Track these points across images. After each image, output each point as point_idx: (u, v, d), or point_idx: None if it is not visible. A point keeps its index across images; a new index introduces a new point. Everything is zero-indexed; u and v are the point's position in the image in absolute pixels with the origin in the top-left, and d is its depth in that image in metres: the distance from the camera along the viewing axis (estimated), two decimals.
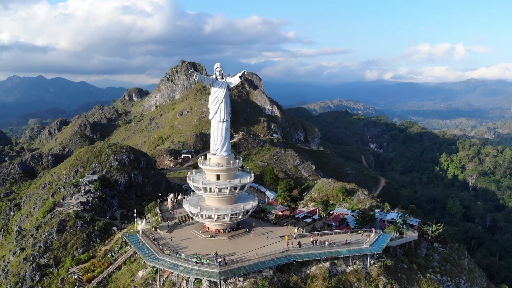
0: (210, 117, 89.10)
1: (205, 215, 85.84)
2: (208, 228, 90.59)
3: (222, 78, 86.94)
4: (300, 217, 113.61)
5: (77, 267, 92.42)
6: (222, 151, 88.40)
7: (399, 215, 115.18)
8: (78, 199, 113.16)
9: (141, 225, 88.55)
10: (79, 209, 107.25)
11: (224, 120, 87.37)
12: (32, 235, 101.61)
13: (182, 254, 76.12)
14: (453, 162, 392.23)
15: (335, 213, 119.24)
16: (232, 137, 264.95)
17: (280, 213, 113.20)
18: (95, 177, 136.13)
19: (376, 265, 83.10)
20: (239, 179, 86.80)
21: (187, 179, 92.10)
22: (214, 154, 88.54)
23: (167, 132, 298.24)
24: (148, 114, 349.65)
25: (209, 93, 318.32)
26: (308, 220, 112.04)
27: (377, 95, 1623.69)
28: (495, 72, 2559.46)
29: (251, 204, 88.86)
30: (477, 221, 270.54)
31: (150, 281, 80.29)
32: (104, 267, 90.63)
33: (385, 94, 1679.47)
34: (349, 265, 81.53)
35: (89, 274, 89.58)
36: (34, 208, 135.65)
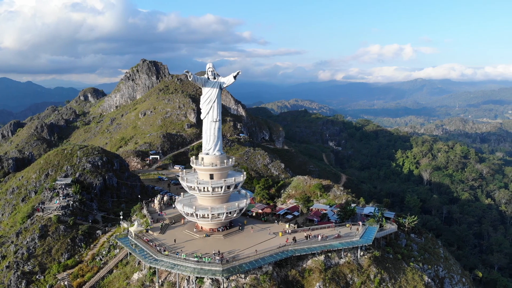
0: (202, 117, 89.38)
1: (200, 215, 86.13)
2: (201, 227, 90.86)
3: (214, 78, 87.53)
4: (281, 214, 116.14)
5: (64, 272, 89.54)
6: (215, 150, 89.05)
7: (376, 209, 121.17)
8: (57, 203, 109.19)
9: (133, 227, 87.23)
10: (60, 214, 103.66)
11: (217, 120, 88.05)
12: (12, 242, 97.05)
13: (183, 254, 76.15)
14: (408, 158, 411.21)
15: (314, 209, 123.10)
16: (199, 137, 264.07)
17: (260, 211, 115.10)
18: (68, 180, 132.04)
19: (366, 257, 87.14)
20: (233, 178, 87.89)
21: (180, 179, 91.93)
22: (207, 154, 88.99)
23: (130, 133, 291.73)
24: (108, 115, 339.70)
25: (172, 93, 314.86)
26: (289, 216, 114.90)
27: (330, 95, 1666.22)
28: (440, 72, 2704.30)
29: (244, 202, 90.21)
30: (433, 213, 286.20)
31: (147, 283, 79.54)
32: (94, 272, 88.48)
33: (338, 94, 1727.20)
34: (341, 258, 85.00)
35: (78, 279, 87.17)
36: (2, 214, 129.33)
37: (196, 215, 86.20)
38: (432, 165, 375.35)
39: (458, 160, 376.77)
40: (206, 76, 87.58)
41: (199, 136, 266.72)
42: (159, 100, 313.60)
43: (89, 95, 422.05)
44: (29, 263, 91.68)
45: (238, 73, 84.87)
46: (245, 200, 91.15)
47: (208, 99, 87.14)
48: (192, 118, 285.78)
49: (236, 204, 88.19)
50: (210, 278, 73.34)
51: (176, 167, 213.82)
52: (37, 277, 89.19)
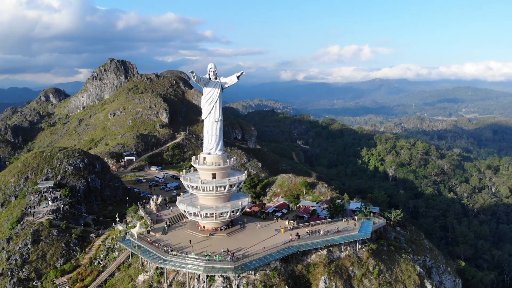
0: (203, 117, 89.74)
1: (205, 214, 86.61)
2: (203, 227, 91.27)
3: (216, 78, 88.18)
4: (270, 211, 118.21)
5: (63, 278, 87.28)
6: (217, 150, 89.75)
7: (363, 204, 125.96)
8: (47, 207, 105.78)
9: (135, 229, 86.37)
10: (52, 218, 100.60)
11: (218, 120, 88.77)
12: (3, 248, 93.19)
13: (192, 253, 76.50)
14: (373, 156, 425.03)
15: (302, 206, 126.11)
16: (174, 137, 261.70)
17: (248, 209, 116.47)
18: (50, 183, 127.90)
19: (364, 249, 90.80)
20: (236, 177, 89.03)
21: (181, 179, 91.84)
22: (209, 153, 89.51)
23: (99, 134, 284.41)
24: (75, 116, 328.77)
25: (142, 93, 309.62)
26: (279, 214, 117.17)
27: (292, 95, 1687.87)
28: (397, 72, 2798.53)
29: (246, 201, 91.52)
30: (400, 208, 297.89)
31: (155, 284, 79.15)
32: (94, 275, 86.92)
33: (299, 94, 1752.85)
34: (342, 251, 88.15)
35: (78, 284, 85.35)
36: None
37: (200, 214, 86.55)
38: (396, 161, 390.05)
39: (421, 157, 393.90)
40: (207, 76, 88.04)
41: (173, 136, 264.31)
42: (129, 100, 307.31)
43: (50, 96, 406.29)
44: (24, 269, 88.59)
45: (241, 73, 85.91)
46: (246, 199, 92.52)
47: (210, 99, 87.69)
48: (164, 118, 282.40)
49: (240, 202, 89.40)
50: (221, 276, 74.21)
51: (153, 168, 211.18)
52: (34, 283, 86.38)
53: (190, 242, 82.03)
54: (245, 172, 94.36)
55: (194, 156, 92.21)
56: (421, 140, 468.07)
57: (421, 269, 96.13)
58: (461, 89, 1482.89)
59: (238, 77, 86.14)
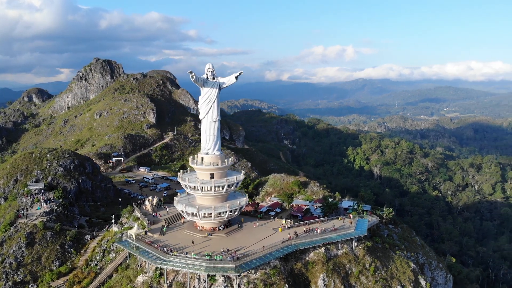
0: (201, 117, 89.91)
1: (202, 214, 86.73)
2: (201, 227, 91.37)
3: (214, 78, 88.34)
4: (263, 211, 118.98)
5: (59, 280, 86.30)
6: (215, 150, 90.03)
7: (355, 202, 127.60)
8: (40, 208, 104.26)
9: (133, 230, 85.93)
10: (45, 220, 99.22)
11: (216, 120, 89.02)
12: None
13: (193, 253, 76.63)
14: (359, 155, 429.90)
15: (295, 205, 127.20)
16: (162, 138, 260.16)
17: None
18: (40, 185, 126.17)
19: (360, 247, 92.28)
20: (235, 176, 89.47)
21: (179, 179, 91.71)
22: (207, 154, 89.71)
23: (86, 134, 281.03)
24: (60, 116, 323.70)
25: (128, 93, 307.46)
26: (272, 213, 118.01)
27: (277, 95, 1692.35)
28: (380, 72, 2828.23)
29: (244, 200, 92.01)
30: (386, 206, 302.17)
31: (154, 285, 78.92)
32: (91, 277, 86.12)
33: (284, 94, 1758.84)
34: (339, 249, 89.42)
35: (75, 286, 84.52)
36: None
37: (199, 214, 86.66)
38: (381, 160, 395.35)
39: (405, 156, 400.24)
40: (205, 76, 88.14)
41: (161, 136, 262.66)
42: (115, 100, 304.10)
43: (33, 96, 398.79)
44: (19, 272, 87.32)
45: (240, 73, 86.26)
46: (244, 198, 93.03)
47: (208, 99, 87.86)
48: (151, 118, 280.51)
49: (238, 202, 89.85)
50: (222, 276, 74.55)
51: (142, 169, 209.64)
52: (29, 286, 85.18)
53: (192, 243, 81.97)
54: (243, 172, 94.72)
55: (191, 156, 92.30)
56: (405, 139, 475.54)
57: (415, 266, 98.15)
58: (443, 88, 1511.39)
59: (236, 77, 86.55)
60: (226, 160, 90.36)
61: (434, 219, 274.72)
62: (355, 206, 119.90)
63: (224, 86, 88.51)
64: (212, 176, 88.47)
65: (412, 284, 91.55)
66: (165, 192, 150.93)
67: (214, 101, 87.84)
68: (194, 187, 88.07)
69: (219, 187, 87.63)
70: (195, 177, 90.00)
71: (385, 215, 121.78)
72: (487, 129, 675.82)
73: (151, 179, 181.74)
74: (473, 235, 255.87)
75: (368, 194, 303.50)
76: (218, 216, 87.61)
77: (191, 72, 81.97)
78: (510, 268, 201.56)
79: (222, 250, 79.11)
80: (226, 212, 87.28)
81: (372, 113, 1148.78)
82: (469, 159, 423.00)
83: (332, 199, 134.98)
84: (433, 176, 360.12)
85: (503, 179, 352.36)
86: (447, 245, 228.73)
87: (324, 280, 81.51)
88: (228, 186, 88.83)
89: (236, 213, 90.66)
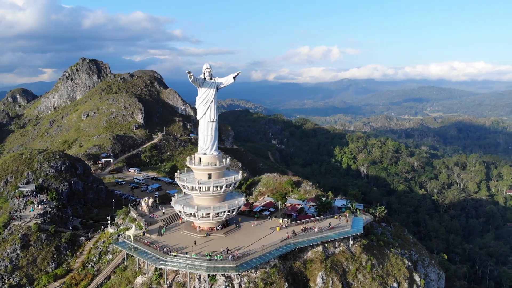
0: (198, 117, 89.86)
1: (200, 215, 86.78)
2: (199, 227, 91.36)
3: (211, 79, 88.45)
4: (258, 210, 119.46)
5: (56, 282, 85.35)
6: (212, 150, 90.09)
7: (348, 201, 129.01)
8: (33, 210, 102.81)
9: (131, 231, 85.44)
10: (40, 222, 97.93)
11: (214, 120, 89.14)
12: None
13: (193, 254, 76.67)
14: (346, 154, 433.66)
15: (289, 204, 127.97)
16: (150, 138, 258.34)
17: None
18: (31, 187, 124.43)
19: (356, 245, 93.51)
20: (233, 176, 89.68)
21: (177, 179, 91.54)
22: (205, 154, 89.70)
23: (73, 135, 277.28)
24: (46, 117, 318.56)
25: (115, 93, 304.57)
26: (266, 213, 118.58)
27: (263, 95, 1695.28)
28: (365, 72, 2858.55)
29: (242, 200, 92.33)
30: (374, 204, 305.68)
31: (154, 286, 78.66)
32: (89, 279, 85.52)
33: (270, 94, 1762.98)
34: (336, 247, 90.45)
35: None
36: None
37: (197, 214, 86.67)
38: (368, 159, 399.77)
39: (391, 155, 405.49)
40: (202, 76, 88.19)
41: (149, 137, 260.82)
42: (103, 100, 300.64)
43: (18, 96, 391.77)
44: (14, 275, 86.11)
45: (238, 74, 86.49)
46: (242, 198, 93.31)
47: (205, 99, 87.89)
48: (139, 118, 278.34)
49: (236, 202, 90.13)
50: (223, 275, 74.77)
51: (131, 170, 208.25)
52: None
53: (195, 243, 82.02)
54: (240, 172, 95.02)
55: (188, 157, 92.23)
56: (391, 139, 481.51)
57: (409, 263, 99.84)
58: (426, 88, 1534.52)
59: (234, 78, 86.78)
60: (224, 160, 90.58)
61: (421, 217, 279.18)
62: (349, 205, 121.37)
63: (221, 86, 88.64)
64: (210, 176, 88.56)
65: (407, 281, 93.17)
66: (157, 193, 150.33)
67: (211, 101, 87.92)
68: (192, 187, 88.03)
69: (217, 187, 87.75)
70: (193, 178, 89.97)
71: (378, 213, 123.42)
72: (470, 128, 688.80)
73: (141, 180, 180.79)
74: (460, 232, 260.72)
75: (356, 193, 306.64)
76: (216, 216, 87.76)
77: (189, 72, 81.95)
78: (497, 264, 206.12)
79: (222, 250, 79.33)
80: (224, 212, 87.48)
81: (357, 113, 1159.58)
82: (454, 157, 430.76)
83: (325, 198, 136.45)
84: (419, 174, 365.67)
85: (487, 177, 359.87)
86: (434, 242, 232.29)
87: (322, 278, 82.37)
88: (227, 186, 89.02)
89: (234, 213, 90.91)
